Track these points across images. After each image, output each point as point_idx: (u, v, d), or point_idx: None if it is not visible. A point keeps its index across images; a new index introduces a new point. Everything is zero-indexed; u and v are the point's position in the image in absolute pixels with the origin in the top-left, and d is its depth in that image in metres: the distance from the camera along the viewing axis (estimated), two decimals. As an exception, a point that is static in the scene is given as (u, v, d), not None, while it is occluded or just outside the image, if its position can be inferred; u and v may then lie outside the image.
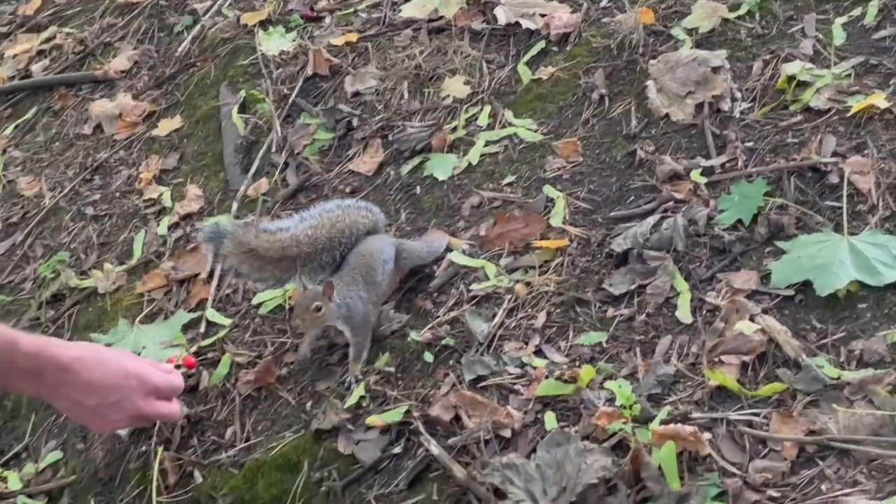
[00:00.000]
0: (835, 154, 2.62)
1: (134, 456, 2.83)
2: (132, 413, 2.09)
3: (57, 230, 3.71)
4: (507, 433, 2.34)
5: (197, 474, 2.68)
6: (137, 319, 3.12)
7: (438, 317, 2.69)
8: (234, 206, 3.36)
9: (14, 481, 3.04)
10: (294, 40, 3.83)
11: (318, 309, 2.53)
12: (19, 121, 4.37)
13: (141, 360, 2.15)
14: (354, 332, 2.63)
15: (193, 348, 2.92)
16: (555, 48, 3.36)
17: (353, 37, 3.71)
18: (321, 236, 2.72)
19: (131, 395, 2.07)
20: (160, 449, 2.74)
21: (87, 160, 3.95)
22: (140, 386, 2.08)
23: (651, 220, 2.65)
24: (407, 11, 3.71)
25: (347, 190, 3.25)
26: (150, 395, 2.11)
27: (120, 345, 3.00)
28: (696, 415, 2.18)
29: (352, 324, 2.62)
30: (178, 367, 2.39)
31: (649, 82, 3.02)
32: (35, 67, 4.58)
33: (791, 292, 2.38)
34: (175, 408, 2.18)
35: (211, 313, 3.05)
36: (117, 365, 2.06)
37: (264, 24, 3.94)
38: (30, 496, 2.97)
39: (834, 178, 2.56)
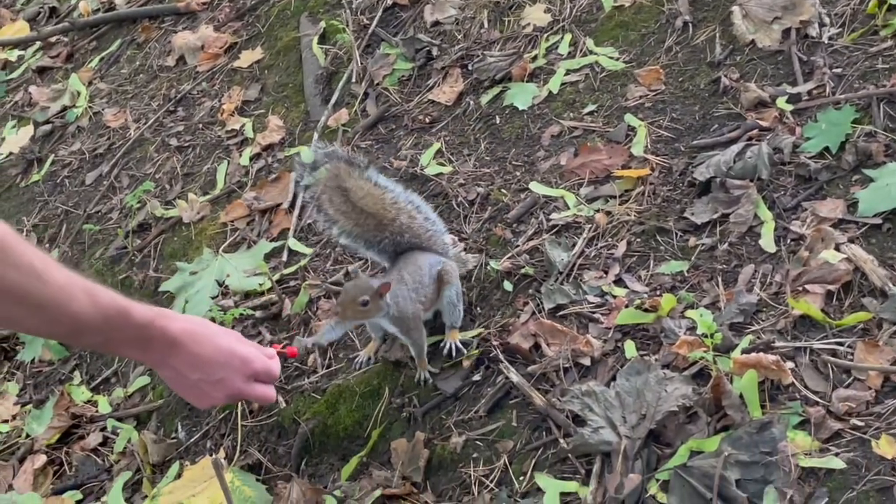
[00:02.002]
0: (927, 79, 2.55)
1: (219, 381, 2.88)
2: (231, 392, 2.09)
3: (142, 161, 3.77)
4: (586, 361, 2.34)
5: (280, 400, 2.73)
6: (221, 248, 3.17)
7: (518, 246, 2.69)
8: (315, 136, 3.38)
9: (104, 405, 3.13)
10: (373, -30, 3.81)
11: (365, 304, 2.37)
12: (104, 53, 4.44)
13: (247, 343, 2.16)
14: (408, 333, 2.49)
15: (276, 276, 2.96)
16: (638, -26, 3.30)
17: (433, -35, 3.68)
18: (411, 224, 2.56)
19: (233, 375, 2.08)
20: (244, 374, 2.79)
21: (171, 92, 4.00)
22: (242, 367, 2.09)
23: (735, 148, 2.61)
24: (487, -61, 3.67)
25: (427, 120, 3.24)
26: (251, 379, 2.12)
27: (205, 273, 3.05)
28: (778, 344, 2.16)
29: (403, 325, 2.48)
30: (280, 353, 2.39)
31: (735, 8, 2.95)
32: (119, 0, 4.63)
33: (878, 221, 2.33)
34: (271, 392, 2.18)
35: (293, 242, 3.09)
36: (225, 343, 2.07)
37: (343, -46, 3.93)
38: (119, 419, 3.06)
39: (926, 105, 2.50)
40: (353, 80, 3.53)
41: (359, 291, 2.37)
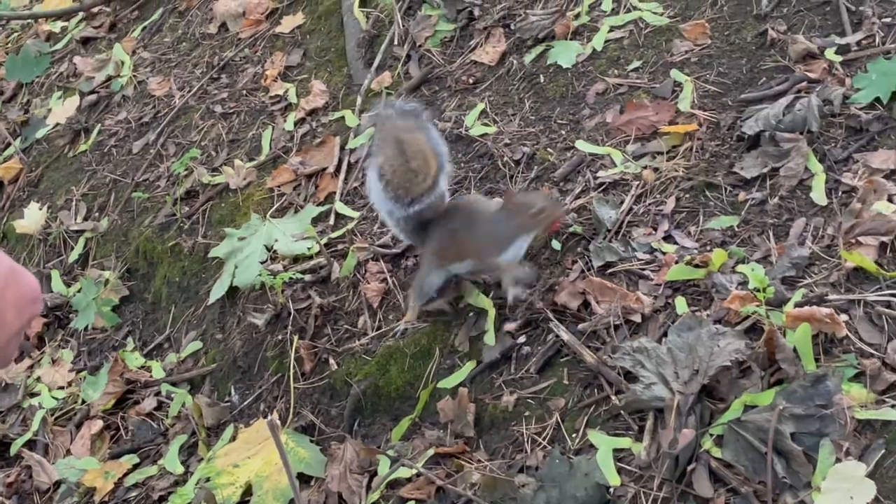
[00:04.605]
0: (981, 26, 2.50)
1: (270, 345, 2.91)
2: None
3: (187, 128, 3.79)
4: (637, 318, 2.34)
5: (332, 361, 2.75)
6: (268, 213, 3.18)
7: (565, 204, 2.68)
8: (359, 100, 3.38)
9: (157, 370, 3.18)
10: (413, -69, 3.79)
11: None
12: (146, 22, 4.46)
13: None
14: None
15: (324, 240, 2.98)
16: (681, -72, 3.26)
17: (473, -75, 3.66)
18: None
19: None
20: (296, 338, 2.82)
21: (214, 59, 4.01)
22: None
23: (784, 101, 2.58)
24: None
25: (470, 81, 3.23)
26: None
27: (253, 238, 3.07)
28: (832, 297, 2.14)
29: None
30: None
31: (781, -41, 2.91)
32: (159, -31, 4.64)
33: (932, 171, 2.30)
34: None
35: (339, 206, 3.10)
36: None
37: (383, -84, 3.91)
38: (173, 384, 3.10)
39: (979, 52, 2.46)
40: (396, 42, 3.53)
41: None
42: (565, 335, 2.39)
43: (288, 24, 3.91)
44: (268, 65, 3.80)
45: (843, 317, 2.09)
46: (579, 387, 2.32)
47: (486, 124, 3.05)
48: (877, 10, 2.70)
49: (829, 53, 2.66)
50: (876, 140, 2.44)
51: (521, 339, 2.48)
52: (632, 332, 2.32)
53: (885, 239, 2.20)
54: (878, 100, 2.49)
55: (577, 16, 3.21)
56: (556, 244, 2.60)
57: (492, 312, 2.53)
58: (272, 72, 3.75)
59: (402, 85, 3.36)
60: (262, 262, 3.01)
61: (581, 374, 2.34)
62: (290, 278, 2.92)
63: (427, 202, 2.54)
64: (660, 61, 2.94)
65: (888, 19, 2.67)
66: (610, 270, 2.47)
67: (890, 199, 2.26)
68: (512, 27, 3.30)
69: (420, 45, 3.46)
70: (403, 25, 3.54)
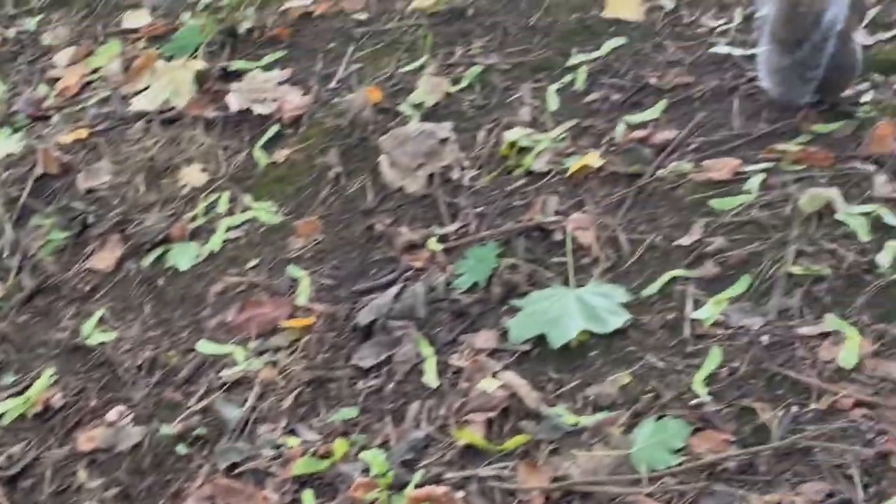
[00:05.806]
0: (557, 213, 2.77)
1: None
2: None
3: None
4: (266, 517, 2.32)
5: None
6: None
7: (189, 407, 2.66)
8: (-33, 315, 3.22)
9: None
10: (21, 141, 3.72)
11: None
12: None
13: None
14: None
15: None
16: (289, 130, 3.41)
17: (84, 133, 3.65)
18: None
19: None
20: None
21: None
22: None
23: (393, 290, 2.72)
24: (137, 104, 3.69)
25: (87, 289, 3.17)
26: None
27: None
28: (448, 475, 2.23)
29: None
30: None
31: (382, 157, 3.10)
32: None
33: (528, 347, 2.48)
34: None
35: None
36: None
37: (-11, 126, 3.83)
38: None
39: (558, 236, 2.71)
40: (7, 253, 3.41)
41: None
42: (194, 543, 2.33)
43: None
44: None
45: (460, 493, 2.18)
46: None
47: (104, 331, 2.99)
48: (470, 202, 2.93)
49: (431, 243, 2.84)
50: (477, 322, 2.60)
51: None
52: (261, 532, 2.30)
53: (491, 414, 2.33)
54: (476, 284, 2.67)
55: (194, 218, 3.25)
56: (181, 449, 2.55)
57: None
58: None
59: (15, 296, 3.24)
60: None
61: (213, 581, 2.28)
62: None
63: None
64: (276, 258, 3.02)
65: (480, 209, 2.90)
66: (236, 471, 2.45)
67: (493, 376, 2.41)
68: (128, 232, 3.28)
69: (32, 255, 3.36)
70: (14, 236, 3.43)
